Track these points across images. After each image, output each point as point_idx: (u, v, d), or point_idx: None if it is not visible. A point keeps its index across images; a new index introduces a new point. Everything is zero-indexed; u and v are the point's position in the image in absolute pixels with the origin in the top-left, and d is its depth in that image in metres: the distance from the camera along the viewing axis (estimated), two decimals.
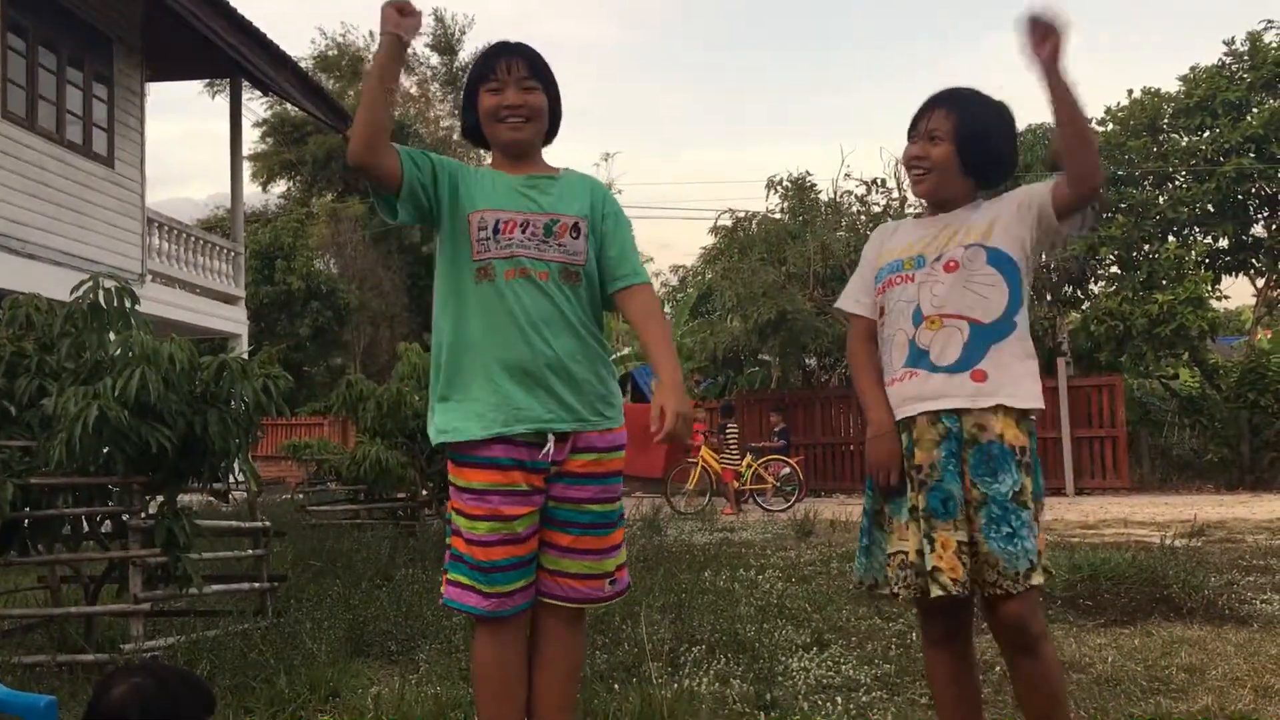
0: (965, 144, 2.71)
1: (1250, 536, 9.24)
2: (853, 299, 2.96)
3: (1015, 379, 2.64)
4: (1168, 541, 7.64)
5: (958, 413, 2.63)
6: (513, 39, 2.77)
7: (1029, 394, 2.65)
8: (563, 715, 2.75)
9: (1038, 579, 2.57)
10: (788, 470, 15.33)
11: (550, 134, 2.83)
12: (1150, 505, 13.60)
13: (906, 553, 2.68)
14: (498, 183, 2.71)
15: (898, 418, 2.73)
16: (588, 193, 2.77)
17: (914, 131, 2.79)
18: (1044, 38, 2.48)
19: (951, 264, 2.69)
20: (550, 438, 2.61)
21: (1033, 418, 2.67)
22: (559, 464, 2.65)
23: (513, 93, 2.69)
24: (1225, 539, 9.04)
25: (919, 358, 2.69)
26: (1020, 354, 2.67)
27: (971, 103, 2.76)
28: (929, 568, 2.59)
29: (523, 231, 2.64)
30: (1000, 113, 2.79)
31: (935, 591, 2.59)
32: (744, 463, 15.24)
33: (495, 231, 2.63)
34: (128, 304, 4.80)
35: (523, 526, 2.62)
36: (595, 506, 2.69)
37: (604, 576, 2.71)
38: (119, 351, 4.57)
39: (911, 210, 18.97)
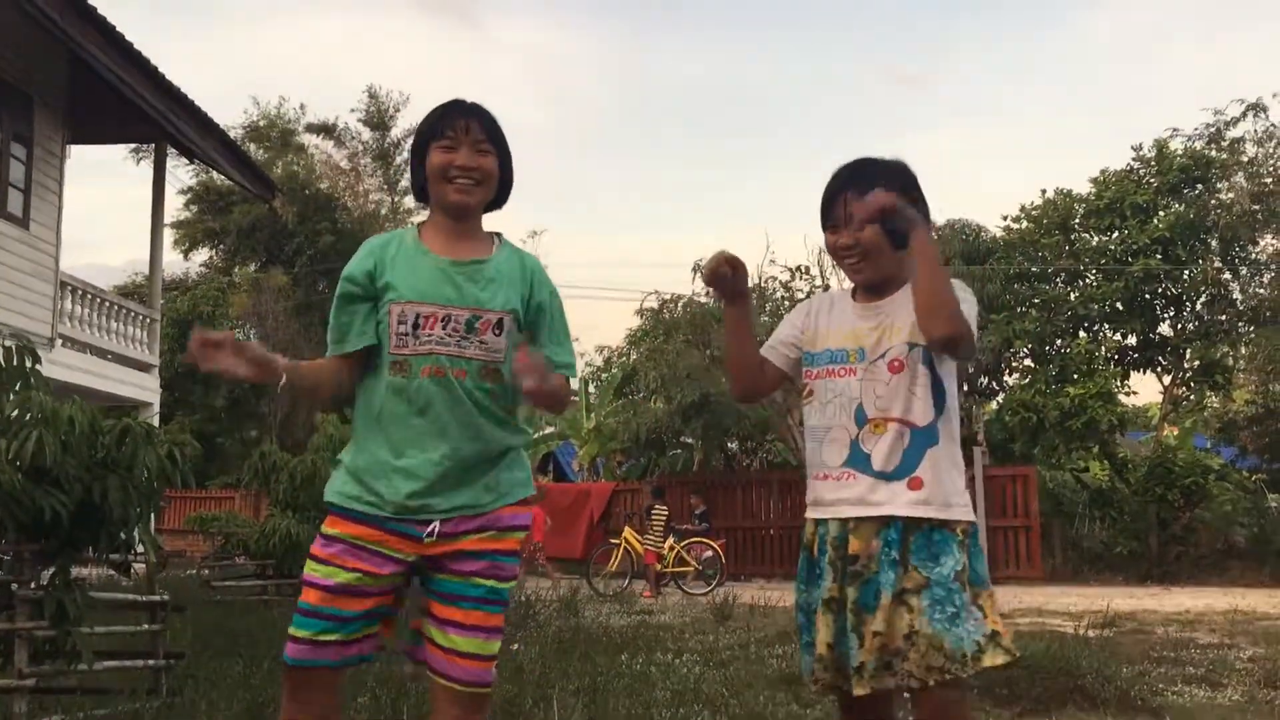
0: (887, 219, 2.60)
1: (1160, 628, 9.37)
2: (770, 346, 2.83)
3: (951, 489, 2.57)
4: (1081, 632, 7.70)
5: (898, 519, 2.55)
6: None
7: (962, 504, 2.59)
8: None
9: (990, 660, 2.47)
10: (710, 553, 15.27)
11: (498, 201, 2.74)
12: (1063, 595, 13.75)
13: (813, 644, 2.60)
14: (424, 267, 2.60)
15: (830, 516, 2.62)
16: (519, 280, 2.67)
17: (830, 219, 2.71)
18: (897, 217, 2.53)
19: (896, 363, 2.61)
20: (435, 524, 2.54)
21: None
22: (448, 538, 2.56)
23: (466, 153, 2.60)
24: (1136, 630, 9.15)
25: (861, 461, 2.60)
26: (950, 459, 2.60)
27: (877, 175, 2.66)
28: (855, 663, 2.50)
29: (444, 327, 2.56)
30: (903, 172, 2.71)
31: (861, 690, 2.49)
32: (666, 545, 15.14)
33: (415, 327, 2.55)
34: (29, 364, 4.63)
35: (365, 582, 2.52)
36: (486, 580, 2.56)
37: (491, 659, 2.57)
38: (16, 413, 4.39)
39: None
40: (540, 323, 2.69)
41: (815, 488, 2.70)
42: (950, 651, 2.44)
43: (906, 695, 2.58)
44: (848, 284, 2.85)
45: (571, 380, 2.74)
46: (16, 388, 4.63)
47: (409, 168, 2.77)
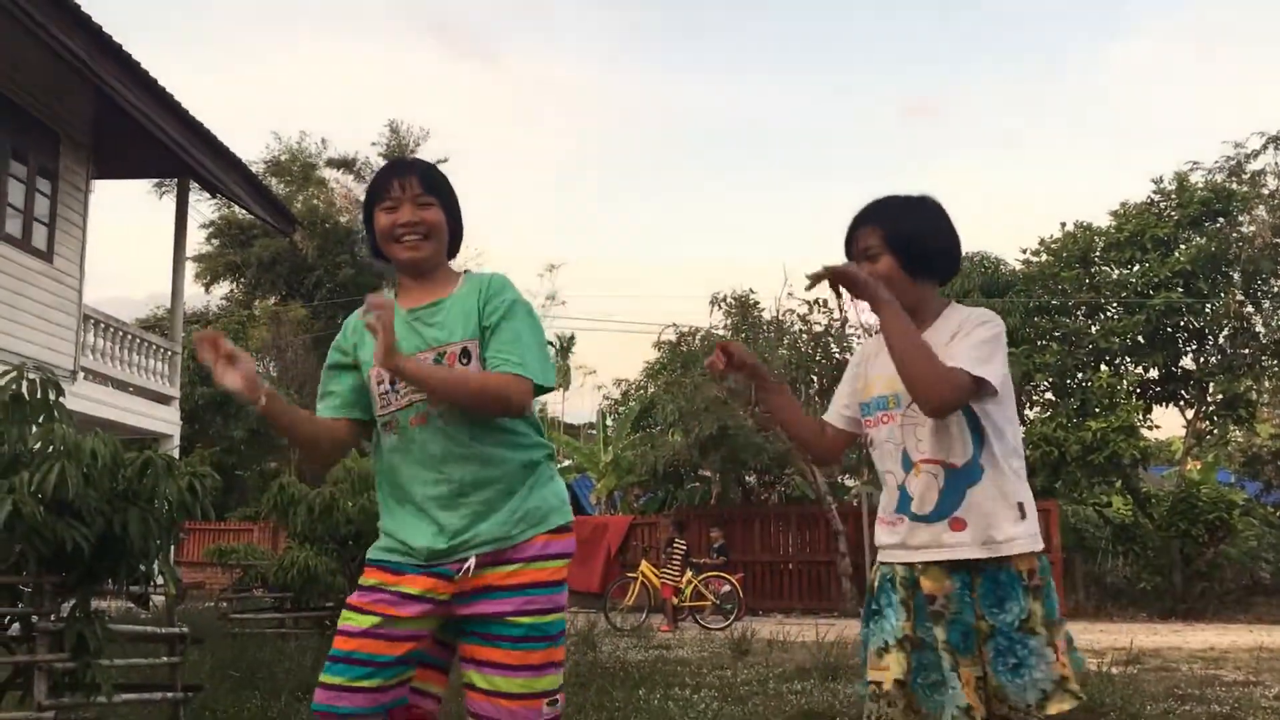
0: (902, 250, 2.61)
1: (1185, 665, 9.25)
2: (835, 412, 2.86)
3: (1001, 525, 2.49)
4: (1105, 669, 7.61)
5: (965, 564, 2.52)
6: (424, 155, 2.76)
7: (1019, 536, 2.50)
8: None
9: (1055, 707, 2.43)
10: (728, 588, 15.17)
11: (452, 249, 2.74)
12: (1086, 632, 13.58)
13: (880, 682, 2.53)
14: (395, 324, 2.59)
15: (887, 560, 2.64)
16: (474, 304, 2.62)
17: (849, 256, 2.71)
18: (854, 288, 2.51)
19: None
20: (470, 560, 2.52)
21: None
22: (479, 573, 2.53)
23: (408, 210, 2.61)
24: (1160, 667, 9.04)
25: (905, 504, 2.60)
26: (998, 494, 2.52)
27: (893, 207, 2.68)
28: (963, 705, 2.42)
29: None
30: (922, 204, 2.71)
31: None
32: (685, 579, 15.06)
33: (393, 384, 2.57)
34: (52, 396, 4.66)
35: (399, 626, 2.51)
36: (525, 618, 2.51)
37: (541, 696, 2.49)
38: (39, 445, 4.42)
39: (853, 330, 19.29)
40: (494, 327, 2.59)
41: (877, 531, 2.72)
42: (1014, 702, 2.43)
43: None
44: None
45: (538, 380, 2.57)
46: (39, 420, 4.66)
47: (366, 230, 2.78)
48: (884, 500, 2.69)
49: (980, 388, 2.46)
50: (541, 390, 2.59)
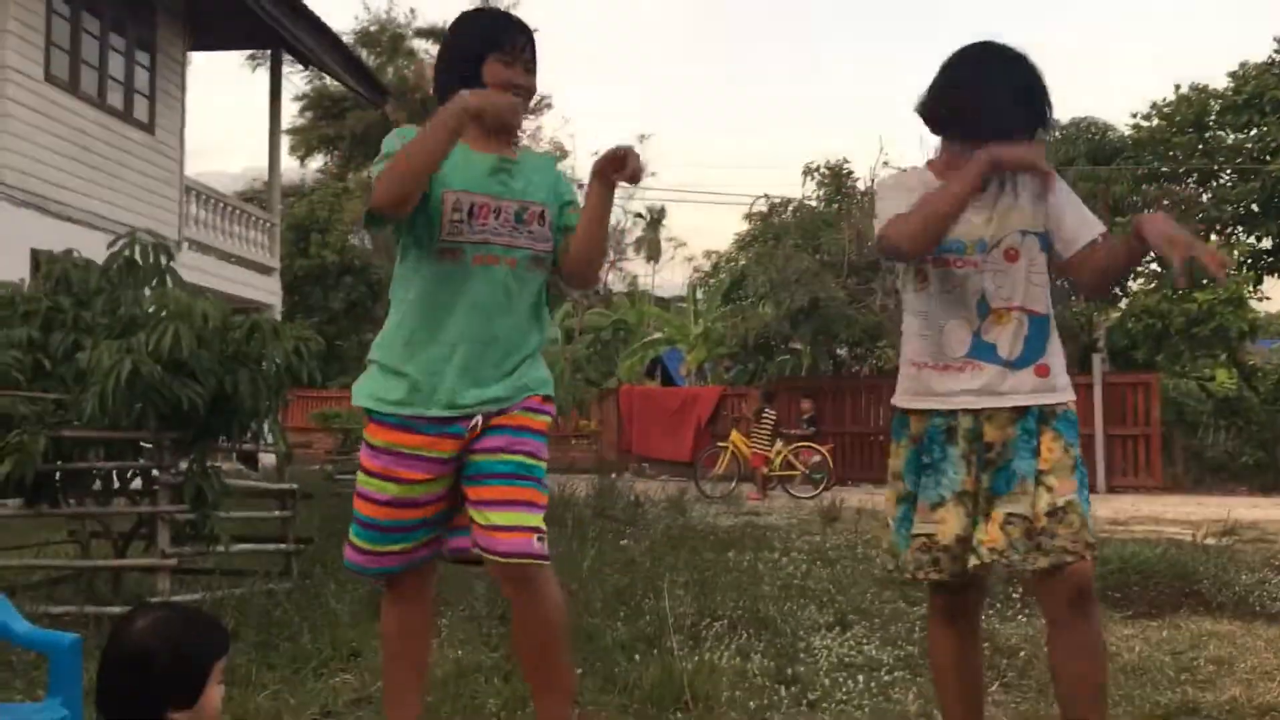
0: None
1: None
2: (889, 213, 2.64)
3: (1062, 370, 2.64)
4: (1200, 539, 7.54)
5: (1027, 407, 2.59)
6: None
7: (1068, 384, 2.67)
8: (541, 679, 2.67)
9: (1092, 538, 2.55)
10: (818, 458, 15.24)
11: None
12: (1182, 505, 13.43)
13: (933, 535, 2.59)
14: (469, 160, 2.64)
15: (951, 407, 2.60)
16: (550, 180, 2.76)
17: (1038, 94, 2.69)
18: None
19: (1012, 253, 2.61)
20: (478, 418, 2.60)
21: None
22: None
23: (522, 72, 2.67)
24: (1258, 539, 8.91)
25: (985, 350, 2.60)
26: (1059, 343, 2.67)
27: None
28: (975, 541, 2.54)
29: (496, 218, 2.61)
30: (946, 61, 2.72)
31: (972, 561, 2.53)
32: (775, 449, 15.18)
33: (470, 215, 2.59)
34: (163, 261, 4.83)
35: (418, 492, 2.62)
36: (514, 456, 2.59)
37: (531, 530, 2.56)
38: (153, 308, 4.59)
39: None
40: (566, 209, 2.77)
41: (926, 378, 2.66)
42: (1092, 529, 2.53)
43: (1029, 575, 2.57)
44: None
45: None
46: (152, 284, 4.84)
47: (447, 66, 2.72)
48: (938, 344, 2.64)
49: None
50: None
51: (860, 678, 3.88)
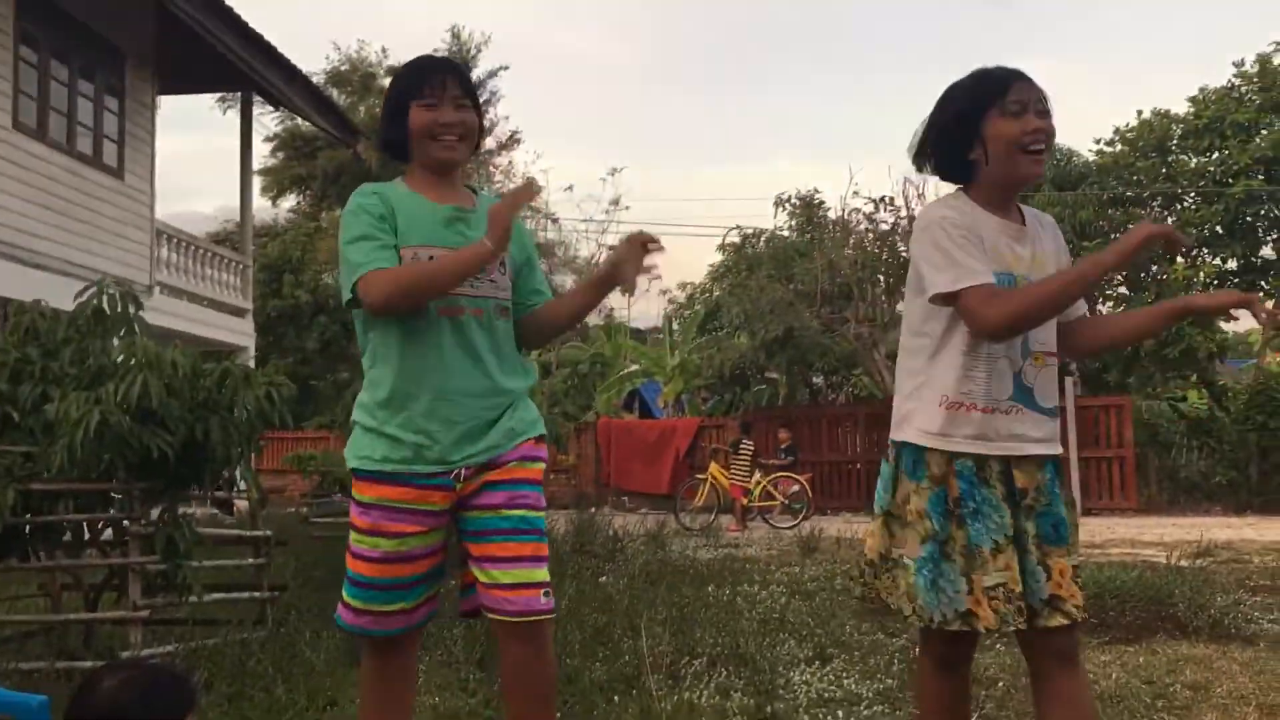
0: (1051, 124, 2.53)
1: (1258, 558, 9.18)
2: (980, 270, 2.43)
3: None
4: (1174, 561, 7.58)
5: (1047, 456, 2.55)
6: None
7: None
8: None
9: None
10: (797, 488, 15.27)
11: (471, 153, 2.80)
12: (1157, 526, 13.52)
13: (1006, 584, 2.41)
14: (424, 213, 2.64)
15: (993, 453, 2.47)
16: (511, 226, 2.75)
17: (1015, 104, 2.47)
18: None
19: None
20: (461, 470, 2.60)
21: None
22: (469, 481, 2.62)
23: (449, 111, 2.64)
24: (1232, 559, 8.98)
25: (1025, 395, 2.50)
26: None
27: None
28: (1045, 596, 2.43)
29: None
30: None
31: (1057, 621, 2.43)
32: (753, 480, 15.19)
33: None
34: (131, 310, 4.81)
35: (411, 545, 2.60)
36: (514, 511, 2.60)
37: (537, 586, 2.57)
38: (121, 357, 4.57)
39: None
40: (530, 265, 2.81)
41: (967, 419, 2.48)
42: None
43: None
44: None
45: None
46: (120, 333, 4.81)
47: (382, 123, 2.75)
48: (987, 385, 2.48)
49: None
50: None
51: (840, 713, 3.87)
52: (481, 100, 2.81)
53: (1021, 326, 2.43)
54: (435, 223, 2.64)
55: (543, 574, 2.59)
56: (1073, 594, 2.45)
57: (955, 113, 2.55)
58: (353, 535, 2.63)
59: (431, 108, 2.64)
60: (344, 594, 2.66)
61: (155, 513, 4.70)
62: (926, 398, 2.54)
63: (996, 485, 2.46)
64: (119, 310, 4.85)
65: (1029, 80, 2.52)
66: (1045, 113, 2.50)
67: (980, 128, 2.50)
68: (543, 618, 2.57)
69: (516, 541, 2.59)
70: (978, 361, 2.49)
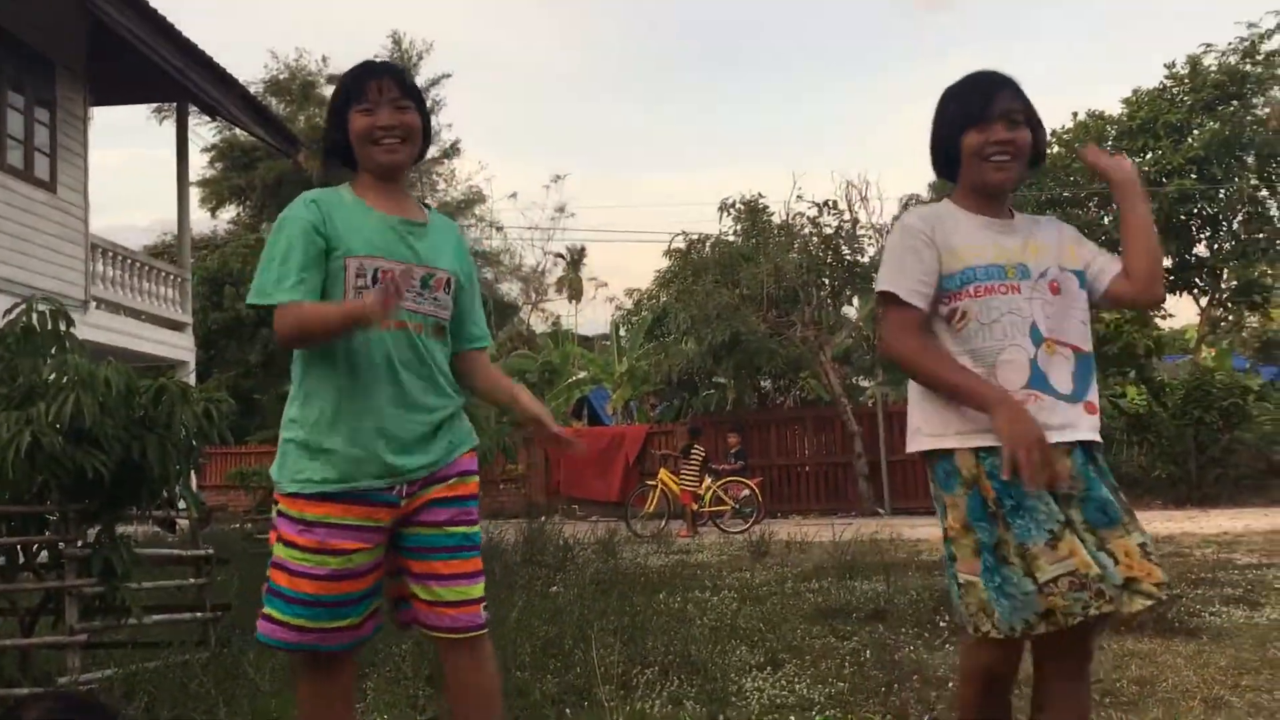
0: (1036, 131, 2.57)
1: (1198, 550, 9.35)
2: (913, 289, 2.51)
3: (1098, 410, 2.57)
4: None
5: (1080, 443, 2.50)
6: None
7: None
8: None
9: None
10: (747, 492, 15.32)
11: (419, 155, 2.76)
12: None
13: (1075, 570, 2.33)
14: (371, 222, 2.60)
15: None
16: (454, 246, 2.76)
17: (983, 114, 2.52)
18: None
19: (1054, 285, 2.54)
20: (403, 484, 2.58)
21: None
22: (415, 494, 2.61)
23: (387, 113, 2.61)
24: (1174, 553, 9.13)
25: (1042, 381, 2.48)
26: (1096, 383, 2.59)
27: (1021, 86, 2.60)
28: (1119, 581, 2.35)
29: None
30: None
31: (1140, 604, 2.37)
32: (704, 485, 15.21)
33: (374, 281, 2.54)
34: (62, 327, 4.68)
35: (357, 562, 2.56)
36: (457, 528, 2.63)
37: (477, 601, 2.62)
38: (53, 376, 4.45)
39: (863, 232, 19.12)
40: (471, 293, 2.79)
41: (973, 412, 2.43)
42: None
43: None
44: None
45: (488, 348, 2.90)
46: (52, 351, 4.69)
47: (326, 131, 2.74)
48: (1001, 375, 2.47)
49: None
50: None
51: (792, 718, 3.87)
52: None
53: (899, 365, 2.56)
54: (383, 233, 2.60)
55: (480, 588, 2.64)
56: (1149, 572, 2.37)
57: (938, 120, 2.64)
58: (290, 553, 2.55)
59: (369, 112, 2.61)
60: (275, 612, 2.57)
61: (92, 534, 4.58)
62: (934, 398, 2.53)
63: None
64: (49, 328, 4.73)
65: (1010, 89, 2.57)
66: (1017, 124, 2.55)
67: (958, 135, 2.57)
68: (483, 632, 2.63)
69: (459, 559, 2.61)
70: (976, 358, 2.50)
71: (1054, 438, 2.40)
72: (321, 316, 2.47)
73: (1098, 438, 2.53)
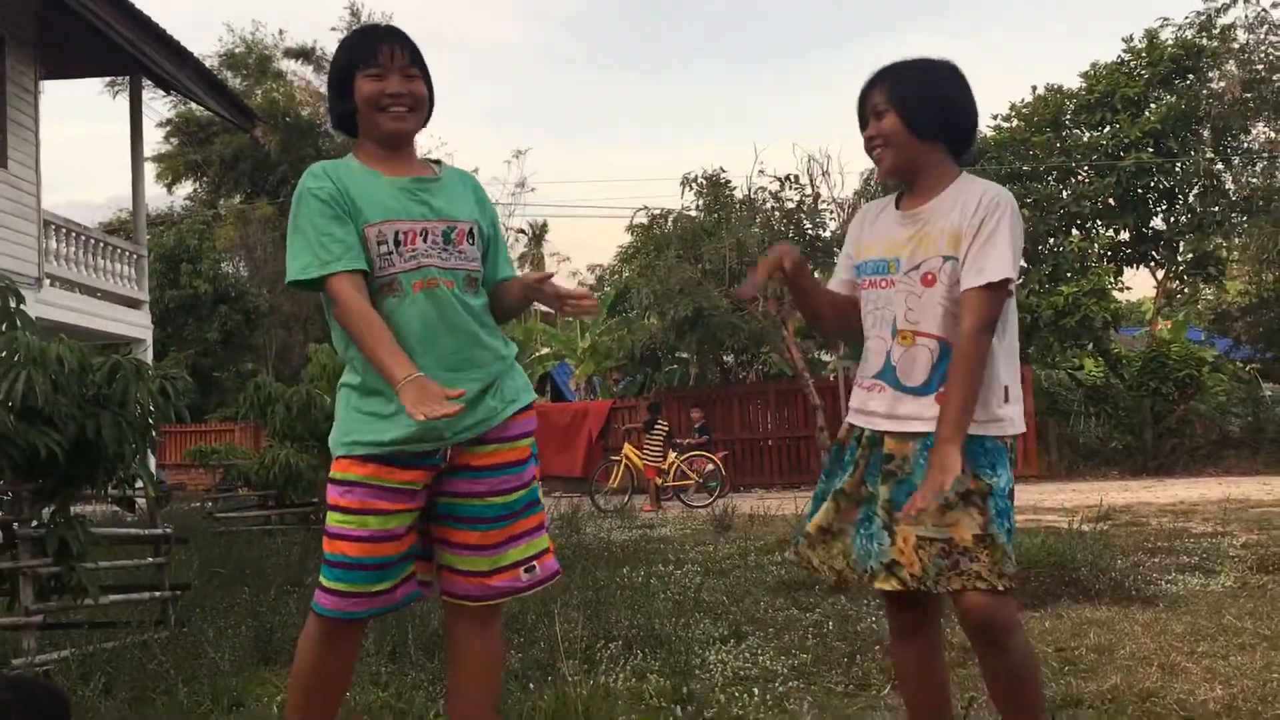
0: (908, 108, 2.58)
1: (1154, 520, 9.49)
2: (836, 280, 2.86)
3: (990, 404, 2.52)
4: (1076, 526, 7.79)
5: (928, 434, 2.51)
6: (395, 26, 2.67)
7: (1007, 418, 2.54)
8: (485, 717, 2.67)
9: (1011, 569, 2.49)
10: (711, 466, 15.37)
11: (423, 125, 2.71)
12: (1058, 492, 13.91)
13: (807, 529, 2.73)
14: (383, 187, 2.56)
15: (862, 425, 2.65)
16: (471, 194, 2.69)
17: (862, 118, 2.69)
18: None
19: (929, 276, 2.56)
20: (448, 446, 2.55)
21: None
22: (457, 456, 2.57)
23: (396, 80, 2.55)
24: (1131, 523, 9.27)
25: (888, 373, 2.60)
26: (986, 376, 2.51)
27: (904, 68, 2.65)
28: (887, 560, 2.53)
29: (424, 240, 2.53)
30: (935, 67, 2.67)
31: (888, 585, 2.53)
32: (668, 460, 15.24)
33: (397, 244, 2.51)
34: (13, 304, 4.59)
35: (395, 524, 2.52)
36: (498, 499, 2.59)
37: (517, 565, 2.61)
38: (3, 354, 4.36)
39: (825, 206, 19.16)
40: (496, 239, 2.72)
41: (855, 394, 2.74)
42: (1006, 567, 2.47)
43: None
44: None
45: None
46: (2, 328, 4.59)
47: (330, 98, 2.69)
48: (865, 364, 2.70)
49: (1008, 284, 2.50)
50: None
51: (755, 690, 3.88)
52: None
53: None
54: (395, 195, 2.55)
55: (521, 551, 2.63)
56: (911, 562, 2.51)
57: (969, 97, 2.71)
58: (335, 516, 2.53)
59: (378, 78, 2.55)
60: (323, 579, 2.55)
61: (46, 513, 4.51)
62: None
63: (860, 448, 2.65)
64: (0, 305, 4.63)
65: (869, 87, 2.67)
66: (880, 115, 2.62)
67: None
68: (515, 596, 2.66)
69: (497, 529, 2.60)
70: (868, 341, 2.71)
71: (890, 426, 2.58)
72: (371, 345, 2.41)
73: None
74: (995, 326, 2.50)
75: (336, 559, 2.52)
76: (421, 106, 2.62)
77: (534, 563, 2.64)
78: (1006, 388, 2.57)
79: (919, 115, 2.59)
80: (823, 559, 2.70)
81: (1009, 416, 2.56)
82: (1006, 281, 2.47)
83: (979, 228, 2.50)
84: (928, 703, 2.76)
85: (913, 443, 2.55)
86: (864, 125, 2.68)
